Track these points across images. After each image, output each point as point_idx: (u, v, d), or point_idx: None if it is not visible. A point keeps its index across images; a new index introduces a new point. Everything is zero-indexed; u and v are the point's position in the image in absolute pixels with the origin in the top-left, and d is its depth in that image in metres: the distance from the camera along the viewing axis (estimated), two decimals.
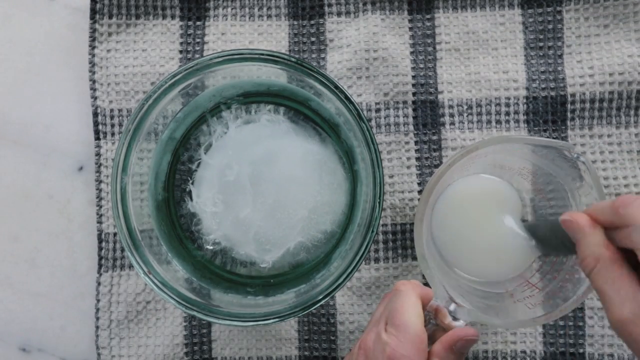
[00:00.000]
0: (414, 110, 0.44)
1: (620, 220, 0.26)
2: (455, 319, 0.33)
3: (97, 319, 0.43)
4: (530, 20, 0.44)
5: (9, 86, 0.45)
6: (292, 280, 0.40)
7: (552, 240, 0.33)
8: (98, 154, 0.44)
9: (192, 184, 0.39)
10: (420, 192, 0.43)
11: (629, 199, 0.26)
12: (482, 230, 0.38)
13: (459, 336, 0.32)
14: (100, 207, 0.44)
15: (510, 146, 0.35)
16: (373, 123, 0.44)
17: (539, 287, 0.35)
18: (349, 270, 0.34)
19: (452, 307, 0.33)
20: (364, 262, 0.43)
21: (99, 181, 0.44)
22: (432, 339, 0.33)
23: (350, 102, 0.35)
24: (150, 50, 0.44)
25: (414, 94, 0.44)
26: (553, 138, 0.43)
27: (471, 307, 0.33)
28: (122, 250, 0.43)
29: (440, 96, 0.44)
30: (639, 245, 0.24)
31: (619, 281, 0.25)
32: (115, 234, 0.43)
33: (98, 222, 0.44)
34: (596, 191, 0.32)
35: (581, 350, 0.42)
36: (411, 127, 0.44)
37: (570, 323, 0.42)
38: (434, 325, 0.34)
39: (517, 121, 0.44)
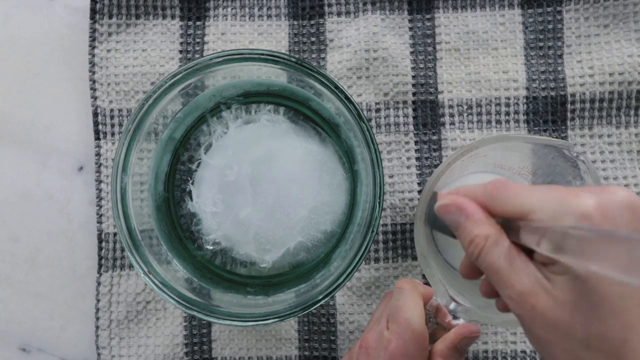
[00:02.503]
0: (414, 110, 0.44)
1: (494, 203, 0.25)
2: (455, 317, 0.33)
3: (97, 319, 0.43)
4: (530, 20, 0.44)
5: (9, 86, 0.46)
6: (292, 280, 0.40)
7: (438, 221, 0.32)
8: (98, 154, 0.44)
9: (192, 184, 0.39)
10: (420, 192, 0.43)
11: (502, 183, 0.26)
12: None
13: (462, 334, 0.32)
14: (100, 207, 0.44)
15: (510, 145, 0.35)
16: (373, 123, 0.44)
17: None
18: (349, 270, 0.34)
19: (452, 305, 0.33)
20: (364, 262, 0.43)
21: (99, 181, 0.44)
22: (432, 338, 0.33)
23: (350, 102, 0.35)
24: (150, 50, 0.44)
25: (414, 94, 0.44)
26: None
27: (471, 306, 0.33)
28: (122, 250, 0.43)
29: (440, 96, 0.44)
30: (526, 241, 0.24)
31: (512, 256, 0.24)
32: (115, 234, 0.43)
33: (98, 222, 0.44)
34: None
35: None
36: (411, 127, 0.44)
37: None
38: (434, 324, 0.34)
39: (517, 121, 0.44)
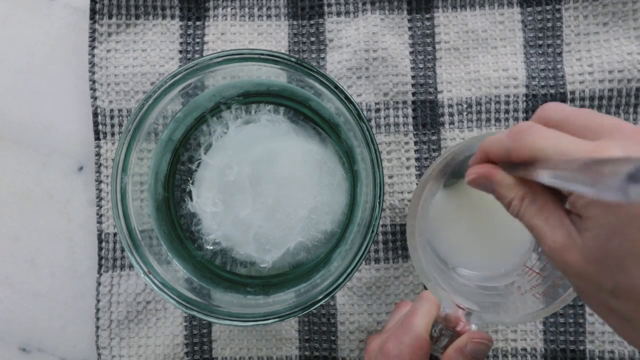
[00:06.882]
0: (413, 110, 0.44)
1: (517, 148, 0.25)
2: (466, 324, 0.33)
3: (97, 319, 0.43)
4: (530, 18, 0.44)
5: (9, 86, 0.46)
6: (292, 280, 0.40)
7: None
8: (98, 154, 0.44)
9: (192, 184, 0.39)
10: None
11: (524, 125, 0.26)
12: (479, 223, 0.38)
13: (469, 337, 0.32)
14: (100, 207, 0.44)
15: None
16: (373, 123, 0.44)
17: (543, 275, 0.35)
18: (349, 270, 0.34)
19: (461, 313, 0.33)
20: (364, 262, 0.43)
21: (99, 181, 0.44)
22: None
23: (350, 102, 0.35)
24: (150, 50, 0.44)
25: (413, 94, 0.44)
26: None
27: (479, 310, 0.33)
28: (122, 250, 0.43)
29: (439, 96, 0.44)
30: (542, 179, 0.23)
31: (545, 210, 0.25)
32: (115, 234, 0.44)
33: (98, 222, 0.44)
34: None
35: (581, 347, 0.42)
36: (411, 127, 0.44)
37: (571, 320, 0.42)
38: (448, 334, 0.34)
39: (517, 119, 0.44)
